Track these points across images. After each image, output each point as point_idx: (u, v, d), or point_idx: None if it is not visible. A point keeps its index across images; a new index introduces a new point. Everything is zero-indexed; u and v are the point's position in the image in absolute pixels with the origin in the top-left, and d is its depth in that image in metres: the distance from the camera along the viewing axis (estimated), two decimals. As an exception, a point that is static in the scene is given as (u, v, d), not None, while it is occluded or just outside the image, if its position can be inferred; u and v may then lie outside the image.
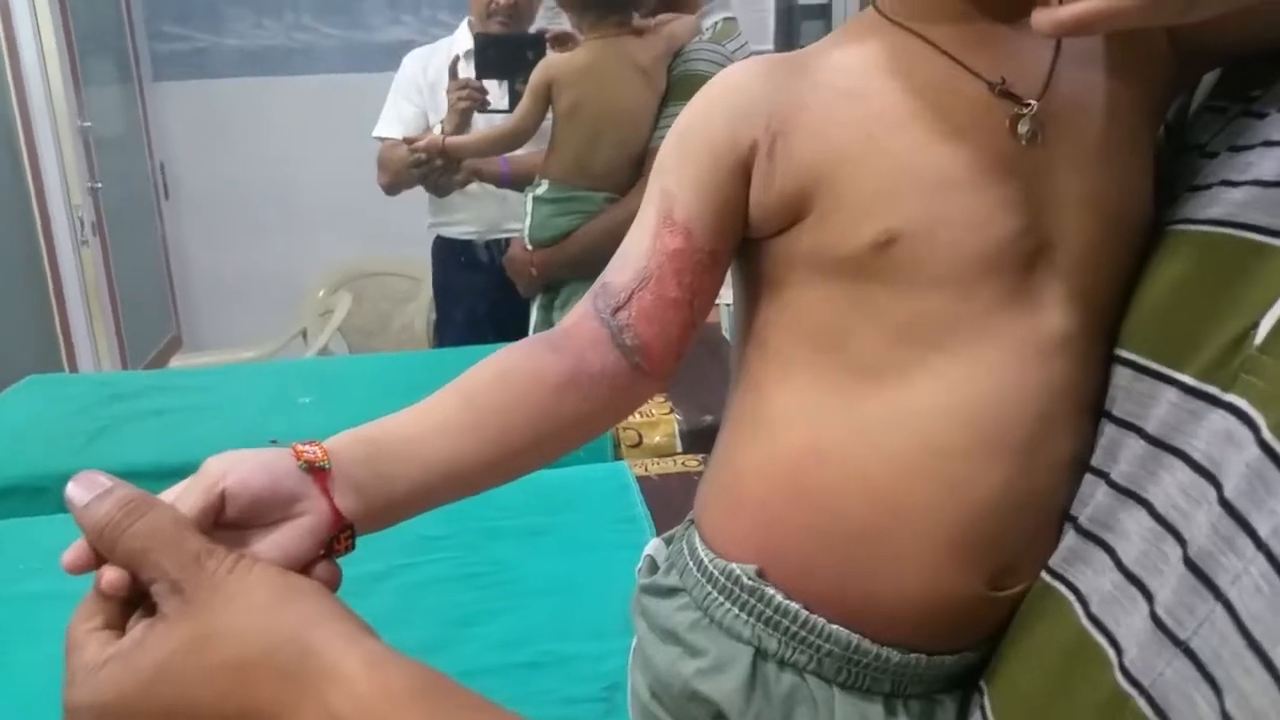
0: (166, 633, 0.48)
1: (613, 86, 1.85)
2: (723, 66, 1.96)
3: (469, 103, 2.02)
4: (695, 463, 1.39)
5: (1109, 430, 0.52)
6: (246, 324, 3.29)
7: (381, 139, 2.30)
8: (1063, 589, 0.51)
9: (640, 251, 0.56)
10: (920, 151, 0.52)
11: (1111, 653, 0.45)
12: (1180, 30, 0.54)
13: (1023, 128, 0.52)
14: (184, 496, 0.50)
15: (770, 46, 2.93)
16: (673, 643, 0.59)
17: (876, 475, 0.53)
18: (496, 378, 0.56)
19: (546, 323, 1.98)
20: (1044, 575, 0.53)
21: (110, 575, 0.49)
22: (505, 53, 2.05)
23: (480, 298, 2.36)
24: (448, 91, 2.04)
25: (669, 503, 1.24)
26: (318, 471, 0.52)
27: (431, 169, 2.00)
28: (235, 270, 3.53)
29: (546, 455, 0.58)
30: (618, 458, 1.43)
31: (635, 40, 1.86)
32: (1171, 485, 0.45)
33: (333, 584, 0.53)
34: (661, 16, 1.90)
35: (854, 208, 0.52)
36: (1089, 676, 0.46)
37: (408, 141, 2.01)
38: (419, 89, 2.32)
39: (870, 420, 0.53)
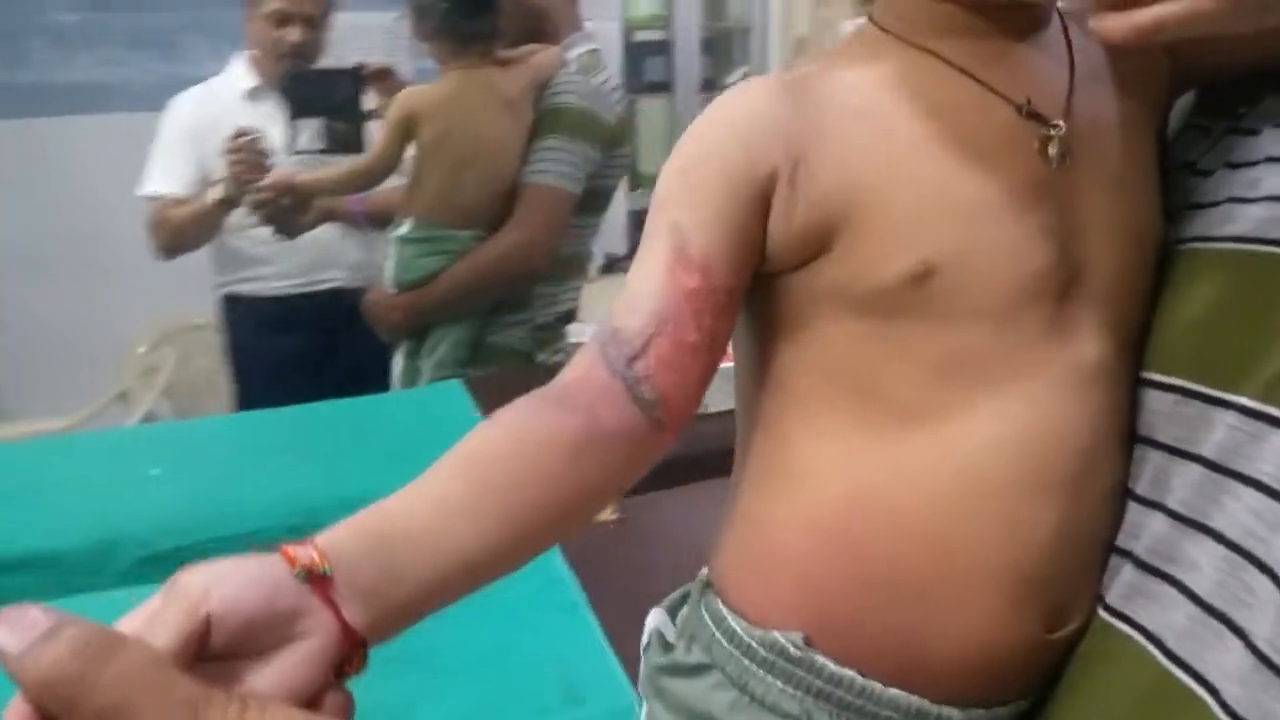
0: None
1: (478, 119, 1.78)
2: (592, 100, 1.96)
3: (245, 166, 1.85)
4: (608, 512, 1.31)
5: (1154, 458, 0.50)
6: (59, 388, 2.98)
7: (152, 198, 2.04)
8: (1127, 629, 0.49)
9: (652, 292, 0.50)
10: (951, 177, 0.49)
11: (1204, 693, 0.43)
12: (1181, 50, 0.54)
13: (1053, 150, 0.50)
14: (155, 627, 0.39)
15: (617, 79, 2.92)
16: None
17: (926, 520, 0.50)
18: (504, 447, 0.49)
19: (412, 370, 1.88)
20: (1102, 614, 0.50)
21: None
22: (319, 89, 1.93)
23: (296, 356, 2.12)
24: (224, 150, 1.86)
25: (591, 559, 1.16)
26: (318, 580, 0.42)
27: (278, 209, 1.86)
28: (42, 329, 3.21)
29: (563, 532, 0.51)
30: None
31: (499, 72, 1.80)
32: (1241, 512, 0.44)
33: (347, 713, 0.43)
34: (525, 48, 1.85)
35: (885, 238, 0.49)
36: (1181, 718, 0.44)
37: (239, 166, 1.84)
38: (193, 136, 2.06)
39: (913, 463, 0.50)
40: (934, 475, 0.49)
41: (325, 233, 2.06)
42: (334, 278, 2.13)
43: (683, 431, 0.52)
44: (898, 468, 0.50)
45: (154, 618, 0.39)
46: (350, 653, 0.43)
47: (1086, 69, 0.53)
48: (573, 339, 2.05)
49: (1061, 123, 0.50)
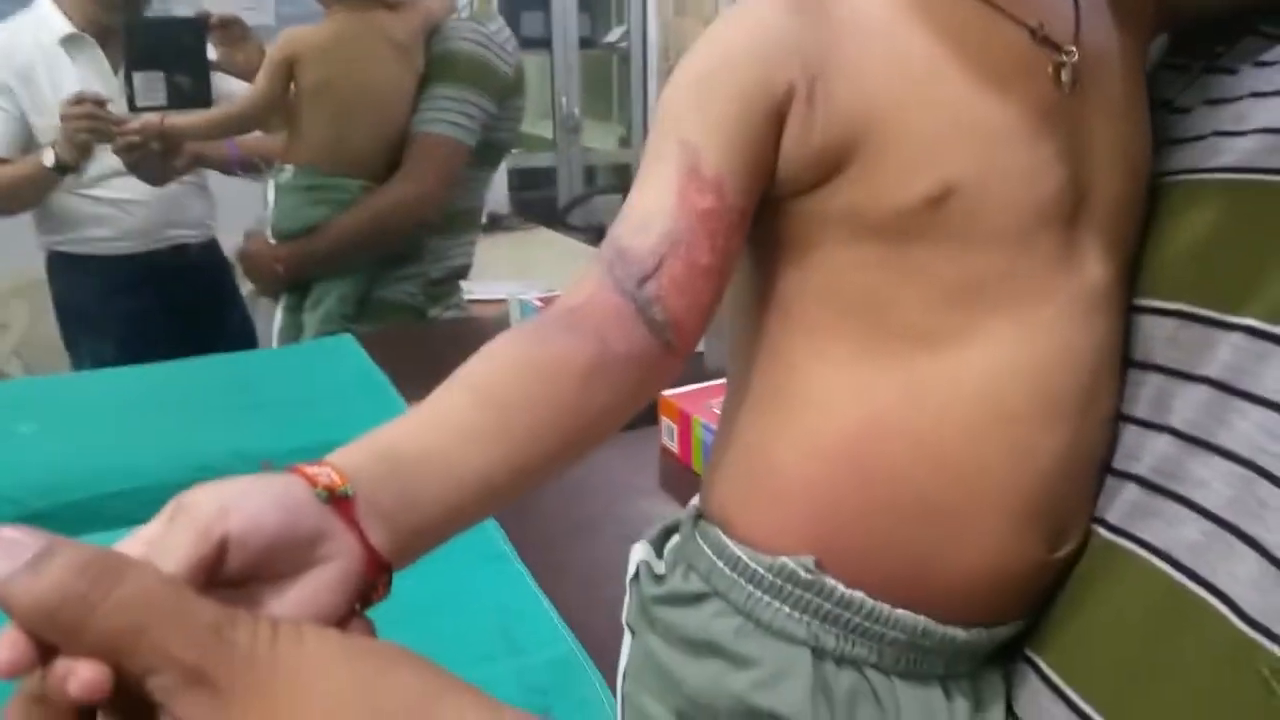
0: None
1: (365, 63, 1.71)
2: (485, 46, 1.90)
3: (89, 131, 1.74)
4: None
5: (1155, 380, 0.51)
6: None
7: None
8: (1132, 545, 0.49)
9: (663, 211, 0.48)
10: (968, 100, 0.49)
11: (1219, 604, 0.44)
12: None
13: (1065, 75, 0.50)
14: (164, 550, 0.35)
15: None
16: (711, 655, 0.52)
17: (944, 444, 0.49)
18: (515, 370, 0.47)
19: (294, 325, 1.80)
20: (1104, 533, 0.51)
21: (87, 673, 0.32)
22: (160, 41, 1.81)
23: (136, 316, 2.03)
24: (61, 114, 1.74)
25: (512, 509, 1.13)
26: (340, 501, 0.39)
27: (146, 154, 1.75)
28: None
29: (575, 455, 0.49)
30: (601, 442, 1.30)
31: (388, 15, 1.73)
32: (1250, 429, 0.44)
33: None
34: (413, -9, 1.78)
35: (903, 159, 0.48)
36: (1196, 631, 0.44)
37: (116, 124, 1.74)
38: (7, 88, 1.91)
39: (930, 388, 0.50)
40: (949, 399, 0.49)
41: (167, 189, 1.96)
42: (177, 235, 2.05)
43: (690, 354, 0.51)
44: (912, 392, 0.50)
45: (160, 540, 0.36)
46: (375, 578, 0.40)
47: (1088, 1, 0.53)
48: (466, 295, 2.01)
49: (1074, 49, 0.50)
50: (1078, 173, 0.50)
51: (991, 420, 0.49)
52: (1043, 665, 0.53)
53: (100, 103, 1.74)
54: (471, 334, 1.23)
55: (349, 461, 0.41)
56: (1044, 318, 0.50)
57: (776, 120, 0.49)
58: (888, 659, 0.51)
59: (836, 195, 0.49)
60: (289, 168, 1.74)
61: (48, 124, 1.84)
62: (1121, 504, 0.51)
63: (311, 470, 0.40)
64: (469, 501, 0.44)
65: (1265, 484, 0.43)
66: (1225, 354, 0.47)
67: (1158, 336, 0.51)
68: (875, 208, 0.48)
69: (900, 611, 0.51)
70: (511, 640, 0.86)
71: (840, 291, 0.51)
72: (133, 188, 1.91)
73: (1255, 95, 0.49)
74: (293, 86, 1.71)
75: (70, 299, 2.08)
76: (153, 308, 2.04)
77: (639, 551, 0.58)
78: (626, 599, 0.58)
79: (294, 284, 1.79)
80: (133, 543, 0.36)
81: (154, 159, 1.77)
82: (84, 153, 1.76)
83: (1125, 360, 0.53)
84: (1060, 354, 0.50)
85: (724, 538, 0.53)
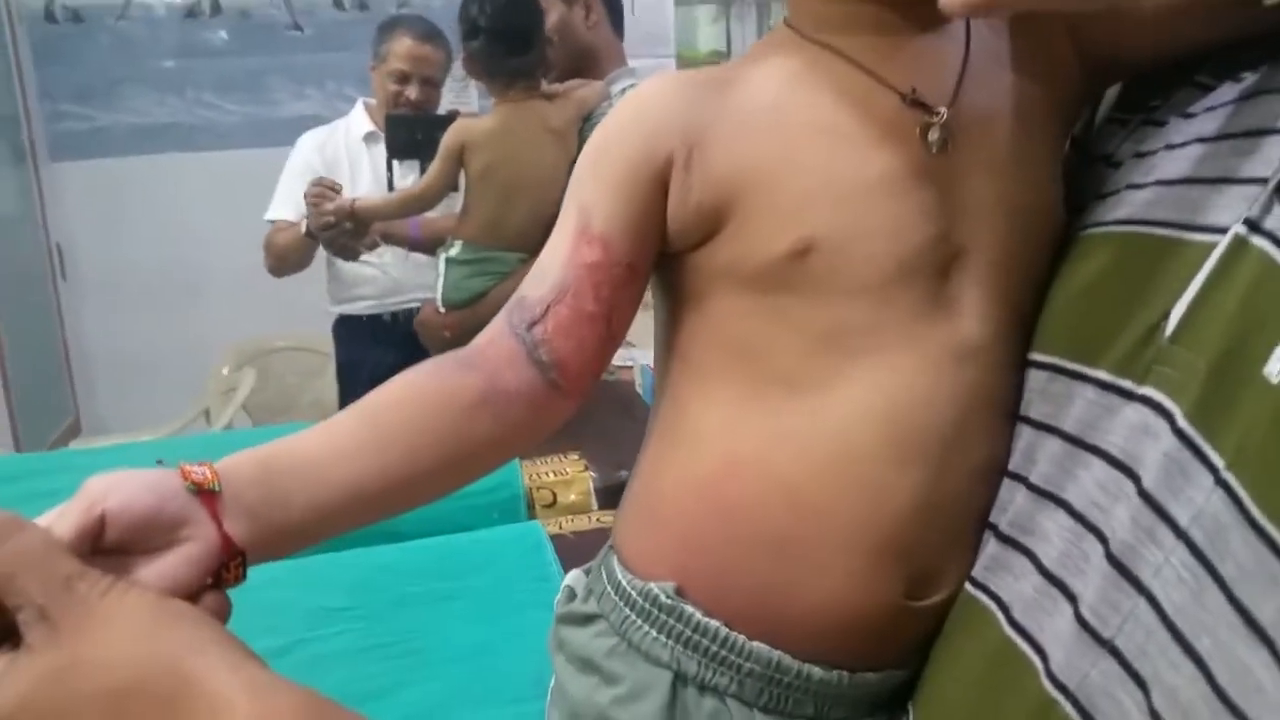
0: (30, 664, 0.43)
1: (525, 148, 1.85)
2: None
3: (319, 201, 1.97)
4: (610, 518, 1.34)
5: (1026, 433, 0.52)
6: (148, 405, 3.16)
7: (273, 222, 2.25)
8: (985, 599, 0.50)
9: (556, 264, 0.55)
10: (834, 162, 0.52)
11: (1037, 659, 0.44)
12: (1086, 41, 0.56)
13: (932, 135, 0.52)
14: (60, 519, 0.46)
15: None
16: (589, 672, 0.57)
17: (794, 482, 0.52)
18: (403, 397, 0.54)
19: (460, 388, 1.94)
20: (967, 586, 0.52)
21: None
22: (417, 133, 2.05)
23: (384, 369, 2.28)
24: (305, 194, 2.00)
25: (586, 560, 1.19)
26: (206, 494, 0.48)
27: (340, 232, 1.97)
28: (136, 351, 3.41)
29: (457, 478, 0.56)
30: (531, 518, 1.39)
31: (546, 104, 1.87)
32: (1089, 483, 0.45)
33: (222, 615, 0.49)
34: (571, 82, 1.92)
35: (770, 218, 0.52)
36: (1015, 686, 0.45)
37: (314, 205, 1.97)
38: (314, 171, 2.24)
39: (788, 429, 0.53)
40: (807, 440, 0.52)
41: (411, 256, 2.21)
42: (418, 298, 2.24)
43: (582, 398, 0.56)
44: (775, 433, 0.53)
45: (61, 513, 0.46)
46: (228, 560, 0.48)
47: (984, 59, 0.55)
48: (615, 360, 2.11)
49: (944, 110, 0.52)
50: (949, 228, 0.52)
51: (843, 461, 0.52)
52: (912, 716, 0.54)
53: (332, 186, 1.98)
54: (604, 395, 1.31)
55: (228, 464, 0.50)
56: (904, 365, 0.52)
57: (659, 185, 0.54)
58: (749, 691, 0.54)
59: (718, 251, 0.54)
60: (458, 243, 1.91)
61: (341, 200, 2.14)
62: (984, 557, 0.52)
63: (189, 468, 0.49)
64: (337, 506, 0.51)
65: (1091, 539, 0.44)
66: (1079, 407, 0.48)
67: (1034, 389, 0.52)
68: (748, 262, 0.53)
69: (756, 643, 0.53)
70: (543, 684, 0.92)
71: (725, 338, 0.55)
72: (390, 252, 2.18)
73: (1169, 147, 0.50)
74: (463, 171, 1.88)
75: (342, 354, 2.41)
76: (400, 361, 2.24)
77: (570, 577, 0.64)
78: None
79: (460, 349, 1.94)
80: (51, 513, 0.47)
81: (345, 236, 1.98)
82: (321, 220, 2.00)
83: (1013, 413, 0.53)
84: (917, 400, 0.52)
85: (615, 563, 0.58)
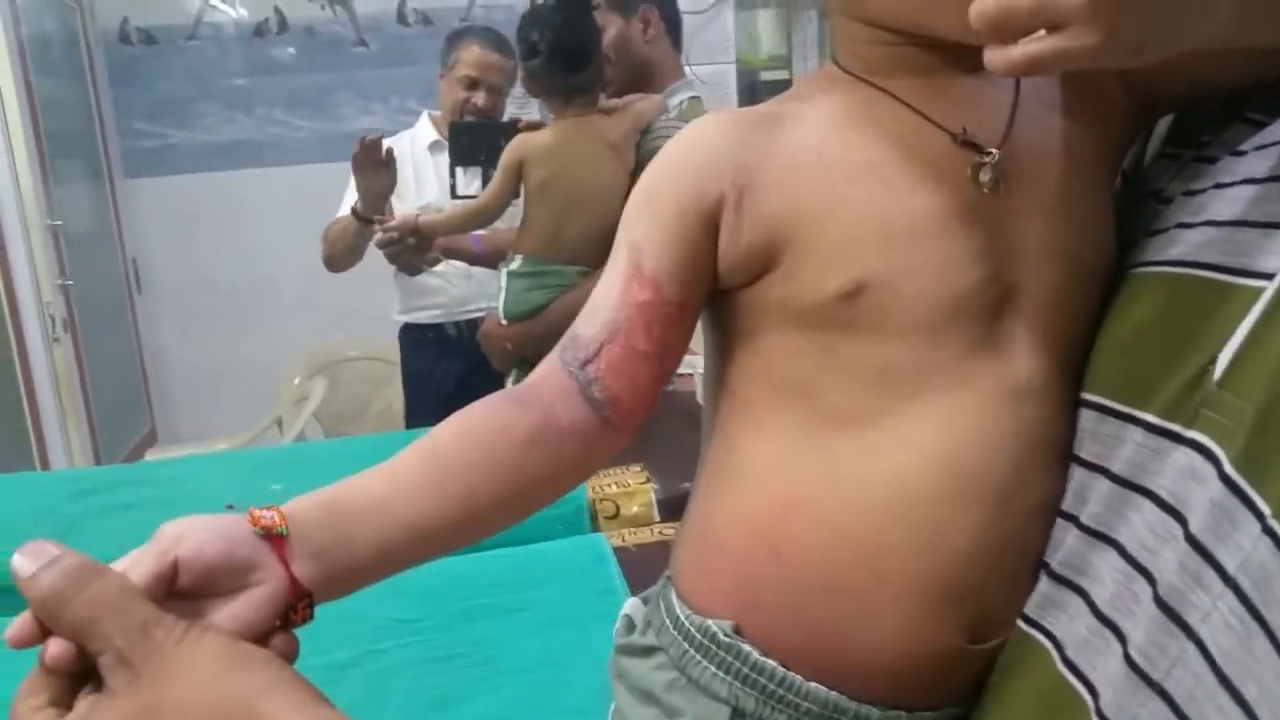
0: (112, 707, 0.45)
1: (583, 163, 1.87)
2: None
3: (392, 247, 2.00)
4: (673, 530, 1.35)
5: (1078, 473, 0.52)
6: (222, 415, 3.25)
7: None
8: (1039, 636, 0.50)
9: (609, 304, 0.55)
10: (885, 202, 0.52)
11: (1088, 697, 0.44)
12: (1133, 77, 0.55)
13: (984, 176, 0.52)
14: (135, 565, 0.48)
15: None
16: (650, 704, 0.57)
17: (852, 526, 0.52)
18: (460, 434, 0.55)
19: (523, 399, 1.97)
20: (1020, 624, 0.52)
21: (55, 648, 0.46)
22: (480, 140, 2.08)
23: (450, 378, 2.36)
24: (377, 238, 2.03)
25: (648, 573, 1.19)
26: (274, 538, 0.50)
27: (404, 248, 2.00)
28: (209, 362, 3.51)
29: (514, 513, 0.57)
30: (594, 530, 1.41)
31: (603, 119, 1.89)
32: (1140, 525, 0.45)
33: (289, 655, 0.50)
34: (629, 97, 1.93)
35: (820, 259, 0.52)
36: None
37: (379, 222, 2.02)
38: None
39: (844, 470, 0.52)
40: (862, 482, 0.52)
41: (476, 270, 2.25)
42: (483, 308, 2.27)
43: (634, 433, 0.57)
44: (828, 473, 0.53)
45: (136, 559, 0.48)
46: (296, 602, 0.50)
47: (1034, 98, 0.54)
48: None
49: (995, 150, 0.52)
50: (1000, 268, 0.52)
51: (899, 503, 0.51)
52: None
53: (376, 140, 2.02)
54: (665, 406, 1.33)
55: (295, 507, 0.51)
56: (959, 405, 0.52)
57: (710, 225, 0.54)
58: None
59: (770, 289, 0.54)
60: (518, 257, 1.94)
61: (406, 208, 2.20)
62: (1037, 595, 0.51)
63: (258, 512, 0.50)
64: (401, 545, 0.53)
65: (1141, 580, 0.44)
66: (1129, 449, 0.47)
67: (1085, 429, 0.52)
68: (799, 301, 0.53)
69: (813, 684, 0.53)
70: (608, 696, 0.93)
71: (776, 375, 0.55)
72: (454, 265, 2.23)
73: (1218, 186, 0.50)
74: (522, 185, 1.91)
75: (409, 362, 2.47)
76: (466, 370, 2.32)
77: (628, 606, 0.64)
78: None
79: (522, 360, 1.97)
80: (126, 558, 0.49)
81: (409, 251, 2.02)
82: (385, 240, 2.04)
83: (1066, 453, 0.53)
84: (975, 440, 0.51)
85: (673, 596, 0.59)
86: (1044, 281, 0.53)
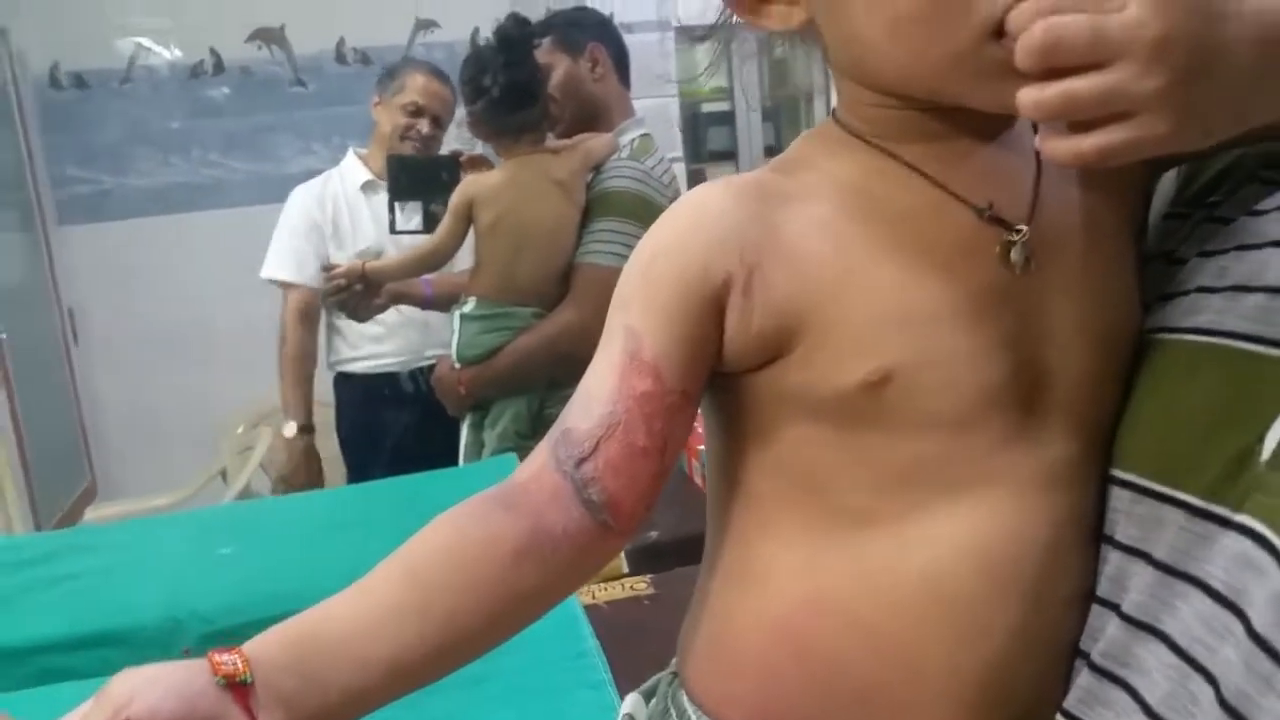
0: None
1: (532, 202, 1.85)
2: (643, 183, 2.01)
3: (339, 295, 1.96)
4: (644, 585, 1.32)
5: (1114, 557, 0.49)
6: (164, 467, 3.15)
7: (274, 281, 2.25)
8: None
9: (605, 395, 0.50)
10: (908, 285, 0.49)
11: None
12: None
13: (1015, 255, 0.49)
14: None
15: (679, 153, 2.97)
16: None
17: (882, 626, 0.49)
18: (444, 549, 0.50)
19: (477, 443, 1.94)
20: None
21: None
22: (419, 175, 2.04)
23: (400, 430, 2.29)
24: (323, 285, 1.99)
25: (622, 633, 1.17)
26: (237, 688, 0.45)
27: (351, 295, 1.96)
28: (150, 413, 3.41)
29: (500, 635, 0.52)
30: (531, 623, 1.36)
31: (552, 158, 1.87)
32: (1190, 616, 0.43)
33: None
34: (578, 136, 1.92)
35: (840, 346, 0.49)
36: None
37: (325, 270, 1.97)
38: (318, 227, 2.28)
39: (871, 568, 0.50)
40: (891, 580, 0.49)
41: (424, 315, 2.20)
42: (435, 354, 2.22)
43: (634, 534, 0.52)
44: (854, 572, 0.49)
45: (86, 718, 0.44)
46: None
47: (1055, 169, 0.51)
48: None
49: (1024, 227, 0.49)
50: (1032, 354, 0.49)
51: (932, 601, 0.48)
52: None
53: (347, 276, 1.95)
54: None
55: (259, 648, 0.47)
56: (992, 497, 0.49)
57: (716, 309, 0.50)
58: None
59: (783, 376, 0.50)
60: (471, 299, 1.90)
61: (344, 256, 2.16)
62: (1077, 689, 0.49)
63: (219, 658, 0.46)
64: (377, 684, 0.49)
65: (1198, 679, 0.41)
66: (1170, 533, 0.45)
67: (1119, 509, 0.49)
68: (817, 391, 0.49)
69: None
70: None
71: (790, 467, 0.51)
72: (400, 313, 2.17)
73: (1241, 248, 0.48)
74: (471, 228, 1.88)
75: (346, 414, 2.38)
76: (412, 420, 2.28)
77: (629, 703, 0.60)
78: None
79: (476, 404, 1.94)
80: (71, 716, 0.44)
81: (357, 298, 1.97)
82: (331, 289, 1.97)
83: (1097, 534, 0.50)
84: (1010, 532, 0.49)
85: (684, 700, 0.55)
86: (1075, 362, 0.50)
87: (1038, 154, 0.50)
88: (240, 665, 0.46)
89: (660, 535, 1.47)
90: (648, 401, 0.50)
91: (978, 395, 0.48)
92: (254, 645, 0.47)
